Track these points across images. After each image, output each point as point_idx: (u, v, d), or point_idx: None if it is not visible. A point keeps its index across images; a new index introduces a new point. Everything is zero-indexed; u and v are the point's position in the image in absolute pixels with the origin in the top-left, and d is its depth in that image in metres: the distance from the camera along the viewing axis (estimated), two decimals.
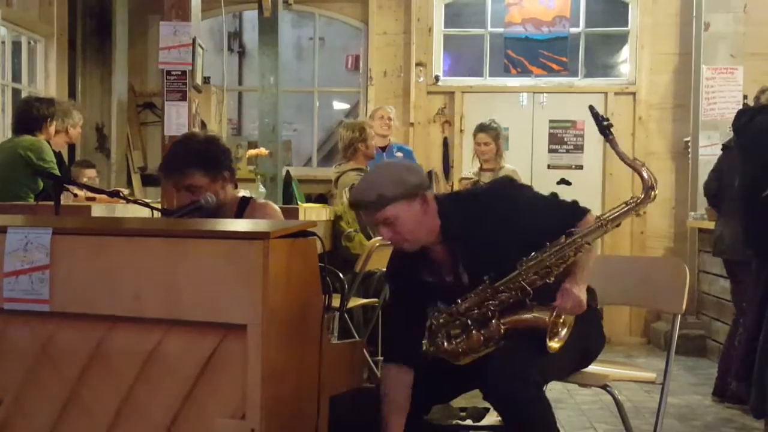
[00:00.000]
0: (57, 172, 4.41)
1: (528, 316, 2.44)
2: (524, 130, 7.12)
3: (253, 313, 1.96)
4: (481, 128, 5.61)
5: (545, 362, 2.45)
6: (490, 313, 2.46)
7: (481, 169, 5.71)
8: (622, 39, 7.35)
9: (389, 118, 6.05)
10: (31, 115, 4.71)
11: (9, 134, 5.77)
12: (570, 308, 2.44)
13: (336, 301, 3.82)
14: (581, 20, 7.23)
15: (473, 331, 2.47)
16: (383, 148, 5.79)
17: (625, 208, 2.44)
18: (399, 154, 6.02)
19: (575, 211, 2.56)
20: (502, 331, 2.44)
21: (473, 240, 2.53)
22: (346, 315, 4.21)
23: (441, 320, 2.51)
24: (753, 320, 4.01)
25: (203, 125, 5.31)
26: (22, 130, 4.75)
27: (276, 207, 3.19)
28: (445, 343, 2.49)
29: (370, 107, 6.95)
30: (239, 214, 3.04)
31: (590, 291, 2.59)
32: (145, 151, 7.37)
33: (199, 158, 2.92)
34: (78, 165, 6.18)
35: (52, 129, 4.67)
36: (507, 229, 2.50)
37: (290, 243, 2.08)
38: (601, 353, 2.77)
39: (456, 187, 6.36)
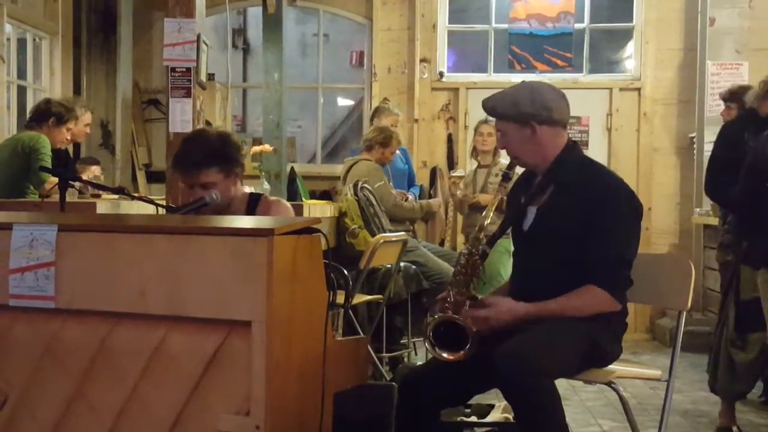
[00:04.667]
0: (48, 163, 4.43)
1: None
2: None
3: (257, 309, 1.96)
4: (485, 121, 5.70)
5: (557, 358, 2.47)
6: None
7: (479, 166, 5.74)
8: (627, 34, 7.34)
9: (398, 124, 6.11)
10: (39, 112, 4.75)
11: (14, 131, 5.80)
12: (484, 322, 2.54)
13: (340, 298, 3.83)
14: (586, 16, 7.22)
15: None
16: None
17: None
18: (397, 152, 6.04)
19: (610, 275, 2.59)
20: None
21: (560, 189, 2.67)
22: (350, 311, 4.21)
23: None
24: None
25: (207, 124, 5.32)
26: (25, 125, 4.81)
27: (288, 204, 3.17)
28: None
29: (375, 103, 6.94)
30: (250, 211, 3.03)
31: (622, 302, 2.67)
32: (149, 148, 7.38)
33: (215, 155, 2.92)
34: (83, 162, 6.19)
35: (52, 125, 4.70)
36: (583, 209, 2.60)
37: (295, 239, 2.08)
38: None
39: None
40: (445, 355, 2.52)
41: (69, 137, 4.90)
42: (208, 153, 2.92)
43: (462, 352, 2.50)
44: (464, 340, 2.50)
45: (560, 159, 2.71)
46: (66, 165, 4.80)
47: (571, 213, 2.62)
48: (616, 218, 2.61)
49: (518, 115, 2.70)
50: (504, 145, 2.83)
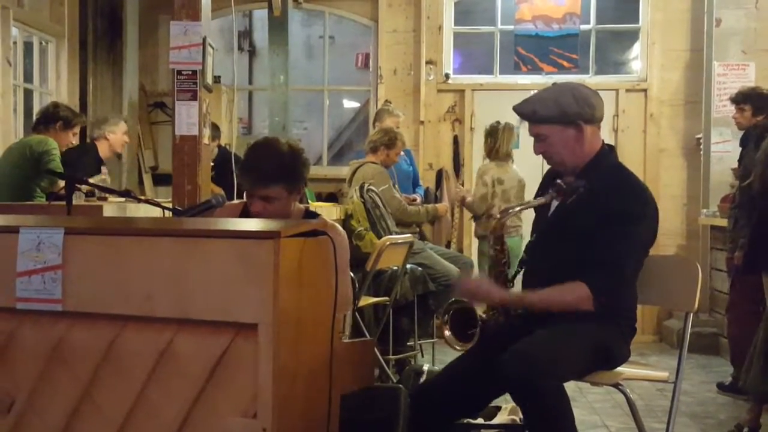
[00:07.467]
0: (59, 166, 4.45)
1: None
2: None
3: (264, 312, 1.96)
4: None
5: (565, 360, 2.47)
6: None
7: None
8: (633, 35, 7.33)
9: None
10: (46, 115, 4.77)
11: (21, 135, 5.82)
12: (470, 293, 2.65)
13: None
14: (592, 17, 7.21)
15: None
16: None
17: None
18: (401, 153, 6.04)
19: (599, 277, 2.56)
20: None
21: (587, 191, 2.63)
22: (357, 314, 4.21)
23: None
24: None
25: (214, 127, 5.33)
26: (32, 128, 4.83)
27: (344, 233, 3.03)
28: None
29: (380, 105, 6.94)
30: None
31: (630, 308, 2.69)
32: (156, 151, 7.39)
33: (284, 172, 2.84)
34: None
35: (60, 129, 4.73)
36: (604, 214, 2.57)
37: (302, 242, 2.08)
38: None
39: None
40: (457, 346, 2.63)
41: (75, 142, 4.94)
42: (278, 169, 2.83)
43: (469, 343, 2.61)
44: (473, 332, 2.57)
45: (595, 162, 2.69)
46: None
47: (590, 215, 2.60)
48: (630, 231, 2.59)
49: (563, 115, 2.65)
50: (544, 150, 2.73)
